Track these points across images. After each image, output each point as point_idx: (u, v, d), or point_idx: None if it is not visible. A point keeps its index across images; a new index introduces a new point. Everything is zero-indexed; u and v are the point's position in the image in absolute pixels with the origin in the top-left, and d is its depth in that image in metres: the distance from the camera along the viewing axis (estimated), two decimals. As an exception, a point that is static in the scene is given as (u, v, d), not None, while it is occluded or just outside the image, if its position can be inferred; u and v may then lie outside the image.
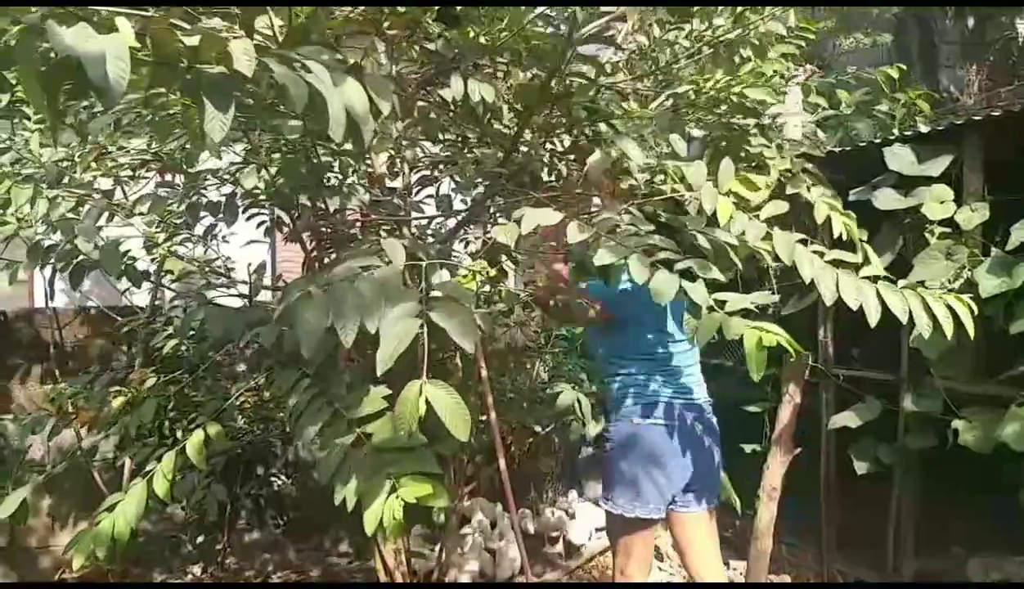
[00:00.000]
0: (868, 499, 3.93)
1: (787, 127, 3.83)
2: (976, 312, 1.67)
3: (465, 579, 4.00)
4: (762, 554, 3.79)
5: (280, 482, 4.17)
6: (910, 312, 1.60)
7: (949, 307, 1.62)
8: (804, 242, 1.86)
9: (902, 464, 3.76)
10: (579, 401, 3.72)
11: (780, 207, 1.82)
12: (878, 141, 3.75)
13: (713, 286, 1.63)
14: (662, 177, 2.15)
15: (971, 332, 1.64)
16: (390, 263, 1.62)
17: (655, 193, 2.09)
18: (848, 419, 3.61)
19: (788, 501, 3.87)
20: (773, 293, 4.05)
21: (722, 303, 1.50)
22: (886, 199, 3.52)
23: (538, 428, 3.70)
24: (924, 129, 3.63)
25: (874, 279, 1.70)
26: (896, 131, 4.52)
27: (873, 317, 1.58)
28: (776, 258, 1.74)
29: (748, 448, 4.10)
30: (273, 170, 2.25)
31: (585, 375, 4.34)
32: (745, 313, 1.51)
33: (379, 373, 1.43)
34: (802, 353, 4.00)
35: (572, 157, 2.26)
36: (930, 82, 5.21)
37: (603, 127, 2.06)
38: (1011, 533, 3.63)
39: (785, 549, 4.18)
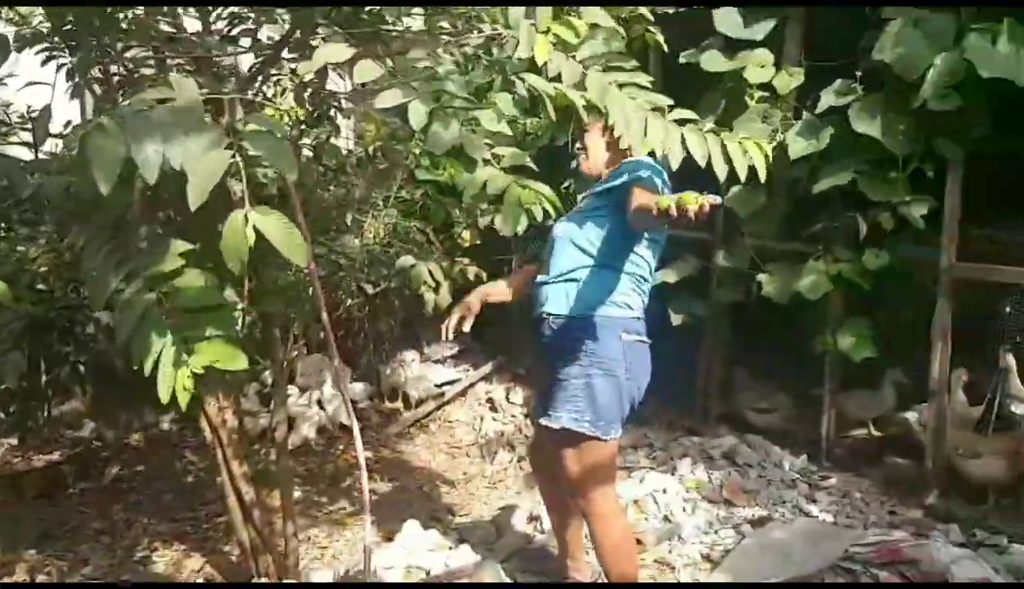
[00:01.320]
0: (681, 350, 4.19)
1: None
2: (770, 157, 1.72)
3: (296, 438, 3.98)
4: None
5: (98, 346, 3.90)
6: (710, 157, 1.62)
7: (745, 152, 1.65)
8: (620, 87, 1.84)
9: (714, 316, 4.02)
10: (431, 272, 3.67)
11: (595, 48, 1.76)
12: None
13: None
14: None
15: (762, 175, 1.69)
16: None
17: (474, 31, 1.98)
18: (665, 275, 3.78)
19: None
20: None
21: (499, 158, 1.45)
22: (712, 61, 3.57)
23: (369, 288, 3.63)
24: (752, -7, 3.67)
25: (681, 123, 1.71)
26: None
27: (675, 159, 1.60)
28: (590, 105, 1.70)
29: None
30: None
31: (427, 237, 4.29)
32: (520, 168, 1.47)
33: (192, 208, 1.29)
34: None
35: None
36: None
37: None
38: (806, 370, 4.00)
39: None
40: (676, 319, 3.92)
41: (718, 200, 1.58)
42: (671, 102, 1.74)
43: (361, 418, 4.32)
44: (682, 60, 3.67)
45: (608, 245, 2.19)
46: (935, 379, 3.27)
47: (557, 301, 2.23)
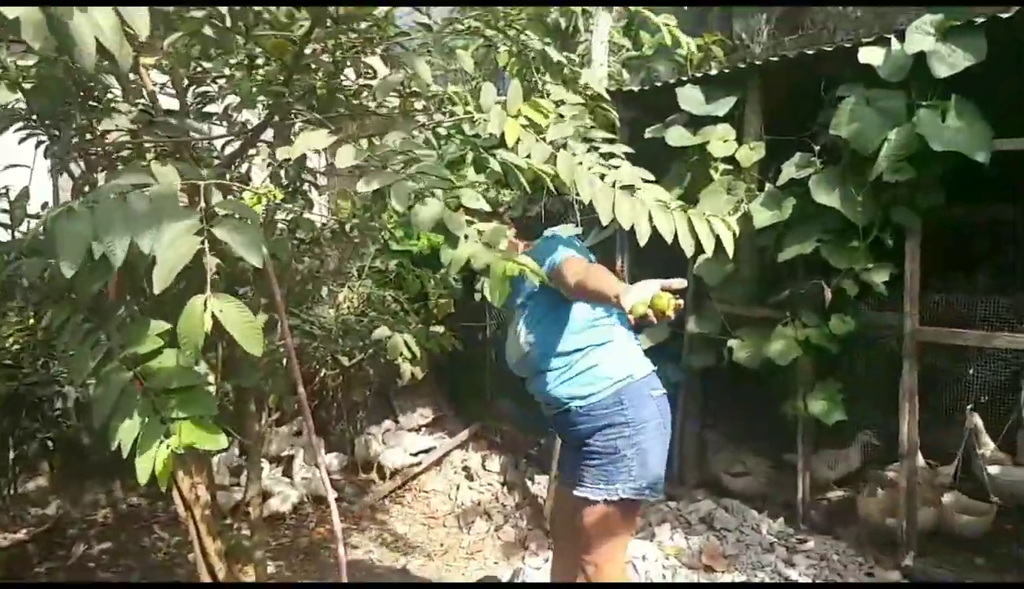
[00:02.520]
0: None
1: (589, 68, 3.90)
2: (737, 233, 1.77)
3: (270, 511, 3.90)
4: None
5: (68, 423, 3.84)
6: (676, 233, 1.67)
7: (711, 229, 1.71)
8: (590, 166, 1.89)
9: (687, 381, 4.05)
10: (407, 343, 3.66)
11: (563, 130, 1.82)
12: (672, 82, 3.91)
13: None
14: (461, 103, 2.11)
15: (729, 251, 1.74)
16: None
17: (451, 116, 2.04)
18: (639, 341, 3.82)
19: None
20: (577, 225, 4.17)
21: (481, 233, 1.49)
22: (677, 136, 3.69)
23: (344, 359, 3.62)
24: (714, 72, 3.82)
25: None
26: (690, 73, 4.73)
27: (643, 236, 1.64)
28: (557, 179, 1.75)
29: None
30: (28, 86, 1.98)
31: (401, 306, 4.30)
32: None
33: (156, 291, 1.31)
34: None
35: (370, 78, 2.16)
36: (725, 29, 5.48)
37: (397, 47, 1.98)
38: (780, 433, 4.03)
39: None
40: (650, 385, 3.93)
41: (683, 283, 1.64)
42: (649, 175, 1.79)
43: (335, 489, 4.26)
44: (648, 135, 3.79)
45: (586, 322, 2.23)
46: (904, 439, 3.30)
47: (578, 387, 2.21)
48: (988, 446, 3.52)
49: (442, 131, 2.05)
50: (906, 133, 3.02)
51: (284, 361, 2.89)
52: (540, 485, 4.39)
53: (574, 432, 2.25)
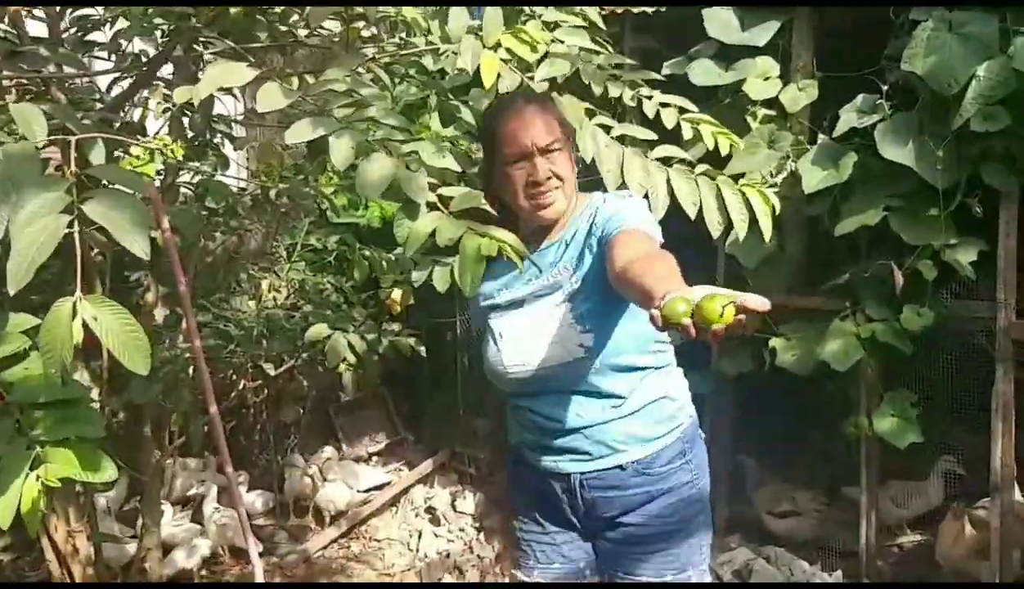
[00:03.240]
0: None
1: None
2: (777, 209, 1.78)
3: (173, 568, 3.90)
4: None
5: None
6: (701, 206, 1.68)
7: (747, 200, 1.72)
8: (592, 114, 1.90)
9: (715, 392, 4.07)
10: (351, 346, 3.65)
11: (561, 67, 1.83)
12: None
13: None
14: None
15: (767, 233, 1.75)
16: (23, 139, 1.46)
17: (407, 46, 2.04)
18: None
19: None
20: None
21: (448, 199, 1.49)
22: (703, 72, 3.70)
23: (270, 367, 3.61)
24: (751, -12, 3.82)
25: (667, 162, 1.77)
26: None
27: (660, 207, 1.65)
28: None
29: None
30: None
31: (345, 297, 4.29)
32: (476, 213, 1.50)
33: (11, 291, 1.30)
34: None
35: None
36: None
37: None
38: (834, 466, 4.06)
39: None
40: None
41: (765, 305, 1.35)
42: (654, 136, 1.81)
43: (259, 539, 4.25)
44: (665, 71, 3.79)
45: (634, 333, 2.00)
46: (997, 467, 3.34)
47: (640, 427, 2.04)
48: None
49: (398, 68, 2.04)
50: (1000, 68, 3.04)
51: (191, 370, 2.89)
52: (527, 529, 4.40)
53: (614, 500, 2.06)
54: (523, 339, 2.03)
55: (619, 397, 2.00)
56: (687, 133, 2.00)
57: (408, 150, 1.53)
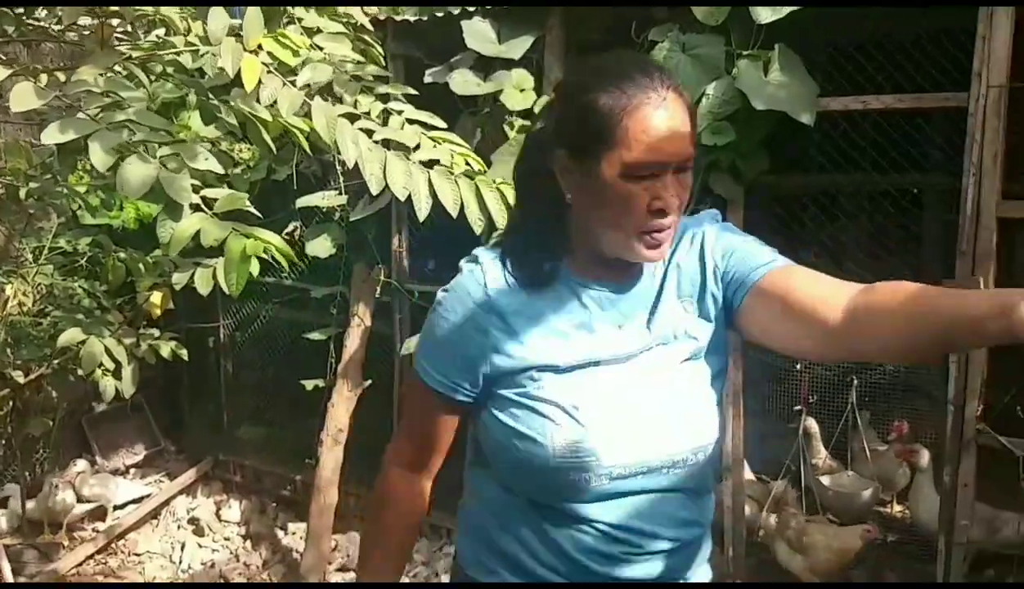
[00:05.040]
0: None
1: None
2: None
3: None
4: (326, 509, 4.00)
5: None
6: (463, 204, 1.76)
7: (504, 198, 1.82)
8: (353, 119, 1.94)
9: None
10: (108, 351, 3.46)
11: (323, 73, 1.85)
12: (457, 12, 3.99)
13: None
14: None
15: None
16: None
17: (166, 46, 2.00)
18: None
19: (356, 444, 4.12)
20: (340, 193, 4.18)
21: (212, 202, 1.49)
22: (463, 82, 3.80)
23: (17, 375, 3.41)
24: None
25: (429, 164, 1.83)
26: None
27: (422, 210, 1.71)
28: (313, 133, 1.78)
29: (309, 384, 4.24)
30: None
31: (98, 302, 4.08)
32: (240, 215, 1.51)
33: None
34: (374, 267, 4.26)
35: None
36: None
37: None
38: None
39: (354, 502, 4.44)
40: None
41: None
42: (440, 123, 1.87)
43: (8, 557, 4.01)
44: (428, 80, 3.87)
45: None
46: (728, 449, 3.64)
47: (710, 500, 1.56)
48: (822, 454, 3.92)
49: (155, 66, 1.99)
50: (726, 87, 3.32)
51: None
52: (296, 535, 4.37)
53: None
54: (628, 411, 1.38)
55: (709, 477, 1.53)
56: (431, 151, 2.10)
57: (169, 151, 1.52)
